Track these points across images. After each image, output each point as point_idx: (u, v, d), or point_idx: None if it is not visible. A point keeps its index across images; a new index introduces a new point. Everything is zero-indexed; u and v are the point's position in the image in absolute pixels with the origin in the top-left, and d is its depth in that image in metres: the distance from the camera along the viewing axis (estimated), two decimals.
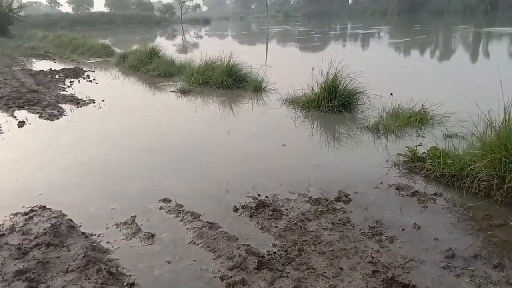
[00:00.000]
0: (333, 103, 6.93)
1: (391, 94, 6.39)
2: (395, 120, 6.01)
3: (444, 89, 8.32)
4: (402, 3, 76.34)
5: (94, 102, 8.19)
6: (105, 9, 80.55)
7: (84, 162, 4.91)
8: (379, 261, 2.80)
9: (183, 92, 9.08)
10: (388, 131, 5.73)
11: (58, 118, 7.01)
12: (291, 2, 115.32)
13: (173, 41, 32.52)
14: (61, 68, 13.20)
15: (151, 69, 11.81)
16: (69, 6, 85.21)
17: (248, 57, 10.28)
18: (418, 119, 6.01)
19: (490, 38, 22.09)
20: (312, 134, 5.85)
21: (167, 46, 14.12)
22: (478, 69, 11.99)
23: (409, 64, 13.86)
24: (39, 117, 7.09)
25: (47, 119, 6.96)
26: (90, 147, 5.48)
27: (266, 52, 18.83)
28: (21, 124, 6.61)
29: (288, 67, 13.08)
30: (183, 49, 22.57)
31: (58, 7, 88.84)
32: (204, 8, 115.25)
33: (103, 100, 8.31)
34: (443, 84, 9.05)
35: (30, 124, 6.70)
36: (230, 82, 9.32)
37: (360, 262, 2.79)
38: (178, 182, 4.27)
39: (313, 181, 4.15)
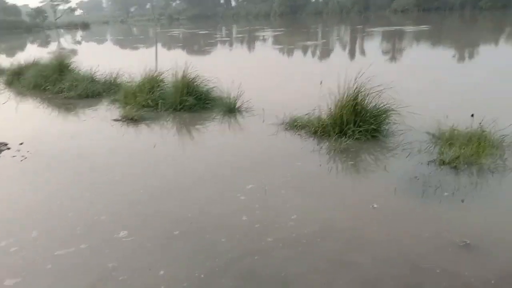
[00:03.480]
0: (364, 126, 5.31)
1: (472, 115, 4.96)
2: (464, 147, 4.60)
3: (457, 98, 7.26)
4: (284, 6, 78.85)
5: (8, 148, 5.43)
6: None
7: None
8: None
9: (132, 120, 6.70)
10: (472, 166, 4.29)
11: None
12: (173, 5, 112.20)
13: (48, 48, 28.18)
14: None
15: (65, 88, 8.97)
16: None
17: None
18: (490, 144, 4.70)
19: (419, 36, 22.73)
20: (381, 181, 4.14)
21: (41, 54, 11.44)
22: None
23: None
24: None
25: None
26: (64, 253, 3.05)
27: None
28: None
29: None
30: (60, 57, 19.03)
31: None
32: (79, 12, 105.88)
33: (21, 143, 5.58)
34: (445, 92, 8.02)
35: None
36: (193, 102, 7.17)
37: None
38: None
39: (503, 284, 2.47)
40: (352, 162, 4.60)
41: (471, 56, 13.69)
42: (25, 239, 3.22)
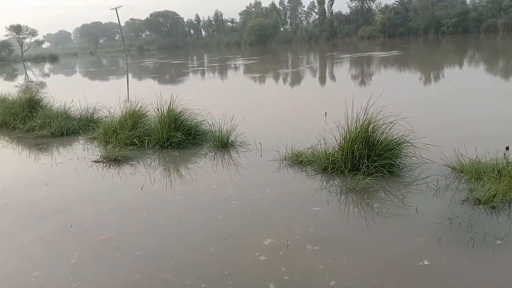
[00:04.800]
0: (380, 161, 4.81)
1: (507, 148, 4.52)
2: (496, 182, 4.14)
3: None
4: (254, 35, 79.95)
5: None
6: None
7: None
8: None
9: (115, 160, 6.00)
10: (511, 205, 3.82)
11: None
12: (143, 36, 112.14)
13: (14, 81, 27.19)
14: None
15: (36, 126, 8.19)
16: None
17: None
18: None
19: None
20: (418, 228, 3.59)
21: (7, 88, 10.96)
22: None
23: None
24: None
25: None
26: None
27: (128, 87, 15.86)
28: None
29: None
30: (28, 90, 18.11)
31: None
32: (47, 44, 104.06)
33: None
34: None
35: None
36: (181, 138, 6.55)
37: None
38: None
39: None
40: (378, 205, 4.05)
41: (461, 81, 13.65)
42: None
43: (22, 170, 6.04)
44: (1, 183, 5.24)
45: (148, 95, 7.53)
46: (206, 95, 13.35)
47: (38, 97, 9.01)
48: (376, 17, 67.49)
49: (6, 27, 69.82)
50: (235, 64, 29.64)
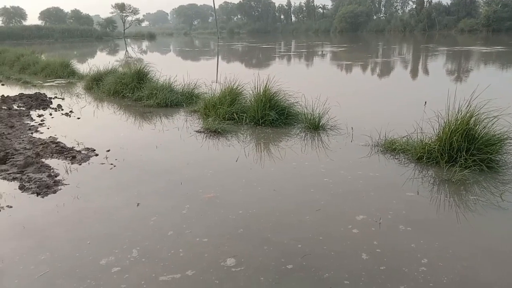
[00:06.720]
0: (479, 155, 4.71)
1: None
2: None
3: None
4: (344, 22, 77.97)
5: (96, 155, 5.37)
6: (39, 22, 74.34)
7: None
8: None
9: (215, 132, 6.48)
10: None
11: (54, 191, 4.16)
12: (234, 19, 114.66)
13: (115, 56, 29.47)
14: (16, 94, 9.96)
15: (144, 96, 9.01)
16: None
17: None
18: None
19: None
20: None
21: (110, 61, 12.23)
22: None
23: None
24: (21, 188, 4.20)
25: (37, 193, 4.09)
26: (170, 280, 2.78)
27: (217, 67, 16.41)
28: None
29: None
30: (126, 65, 19.53)
31: None
32: (145, 23, 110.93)
33: (108, 150, 5.51)
34: None
35: (11, 207, 3.81)
36: (274, 117, 6.87)
37: None
38: None
39: None
40: (473, 197, 4.03)
41: None
42: (126, 259, 2.97)
43: (134, 134, 6.76)
44: (118, 143, 5.95)
45: (241, 75, 7.92)
46: (296, 78, 13.54)
47: (146, 70, 9.84)
48: (480, 10, 62.31)
49: (111, 5, 75.69)
50: (325, 51, 29.42)
